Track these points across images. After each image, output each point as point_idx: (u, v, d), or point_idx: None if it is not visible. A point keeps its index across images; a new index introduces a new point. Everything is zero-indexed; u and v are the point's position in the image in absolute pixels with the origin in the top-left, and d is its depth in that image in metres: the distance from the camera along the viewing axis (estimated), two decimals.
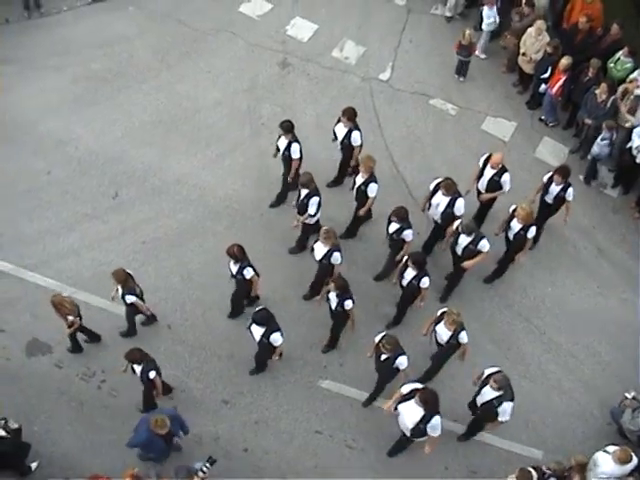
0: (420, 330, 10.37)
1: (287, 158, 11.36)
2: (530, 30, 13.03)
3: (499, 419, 9.37)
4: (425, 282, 10.21)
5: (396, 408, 9.26)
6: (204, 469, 8.71)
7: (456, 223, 10.69)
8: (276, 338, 9.69)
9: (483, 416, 9.64)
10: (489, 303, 11.65)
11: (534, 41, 12.98)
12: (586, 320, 11.64)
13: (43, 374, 10.56)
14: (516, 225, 10.77)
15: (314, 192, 10.76)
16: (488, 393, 9.31)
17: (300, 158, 11.31)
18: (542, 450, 10.49)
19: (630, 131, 12.15)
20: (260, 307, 9.83)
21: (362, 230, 11.93)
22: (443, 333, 9.78)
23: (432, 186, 10.99)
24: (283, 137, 11.24)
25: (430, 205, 11.10)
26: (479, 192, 11.58)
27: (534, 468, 9.12)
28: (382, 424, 10.28)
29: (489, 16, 13.58)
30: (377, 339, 9.66)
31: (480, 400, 9.46)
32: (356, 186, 11.05)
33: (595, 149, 12.32)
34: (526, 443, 10.53)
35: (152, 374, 9.49)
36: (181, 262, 11.60)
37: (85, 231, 11.79)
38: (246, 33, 14.24)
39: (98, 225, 11.86)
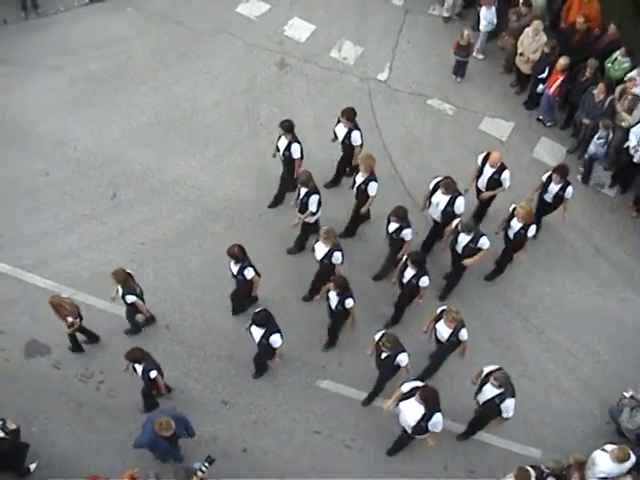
0: (419, 329, 10.39)
1: (288, 158, 11.36)
2: (527, 30, 13.04)
3: (503, 415, 9.41)
4: (424, 281, 10.23)
5: (397, 406, 9.27)
6: (203, 469, 8.74)
7: (455, 222, 10.71)
8: (276, 340, 9.69)
9: (486, 414, 9.66)
10: (488, 302, 11.66)
11: (531, 41, 12.99)
12: (585, 319, 11.65)
13: (42, 375, 10.55)
14: (516, 224, 10.80)
15: (313, 190, 10.77)
16: (489, 391, 9.34)
17: (301, 158, 11.32)
18: (541, 449, 10.50)
19: (627, 130, 12.18)
20: (260, 308, 9.83)
21: (361, 230, 11.94)
22: (443, 331, 9.81)
23: (432, 185, 11.02)
24: (283, 137, 11.24)
25: (430, 204, 11.12)
26: (479, 191, 11.61)
27: (532, 467, 9.13)
28: (381, 424, 10.28)
29: (486, 17, 13.60)
30: (377, 337, 9.67)
31: (482, 398, 9.49)
32: (356, 185, 11.07)
33: (591, 148, 12.34)
34: (525, 442, 10.54)
35: (153, 373, 9.51)
36: (180, 263, 11.60)
37: (84, 232, 11.79)
38: (244, 34, 14.25)
39: (97, 226, 11.86)
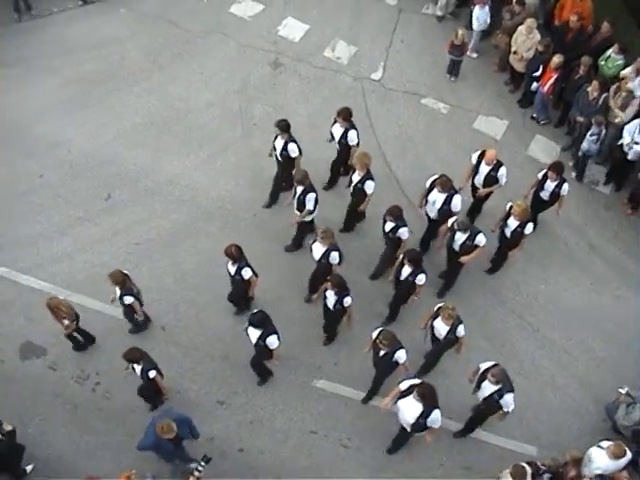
0: (415, 326, 10.40)
1: (285, 158, 11.34)
2: (521, 28, 13.08)
3: (504, 410, 9.45)
4: (421, 279, 10.25)
5: (395, 404, 9.28)
6: (199, 468, 8.74)
7: (451, 220, 10.73)
8: (272, 341, 9.66)
9: (487, 410, 9.69)
10: (482, 300, 11.67)
11: (525, 39, 13.02)
12: (580, 316, 11.67)
13: (37, 377, 10.53)
14: (513, 222, 10.82)
15: (310, 189, 10.77)
16: (487, 388, 9.37)
17: (300, 155, 11.30)
18: (536, 446, 10.51)
19: (621, 128, 12.20)
20: (257, 309, 9.81)
21: (356, 229, 11.94)
22: (441, 328, 9.83)
23: (428, 183, 11.03)
24: (280, 137, 11.21)
25: (426, 202, 11.13)
26: (475, 188, 11.63)
27: (529, 464, 9.16)
28: (377, 423, 10.30)
29: (480, 16, 13.62)
30: (374, 335, 9.68)
31: (481, 395, 9.53)
32: (353, 184, 11.07)
33: (584, 145, 12.35)
34: (520, 439, 10.55)
35: (152, 373, 9.51)
36: (174, 263, 11.59)
37: (78, 234, 11.76)
38: (237, 34, 14.25)
39: (91, 227, 11.85)
